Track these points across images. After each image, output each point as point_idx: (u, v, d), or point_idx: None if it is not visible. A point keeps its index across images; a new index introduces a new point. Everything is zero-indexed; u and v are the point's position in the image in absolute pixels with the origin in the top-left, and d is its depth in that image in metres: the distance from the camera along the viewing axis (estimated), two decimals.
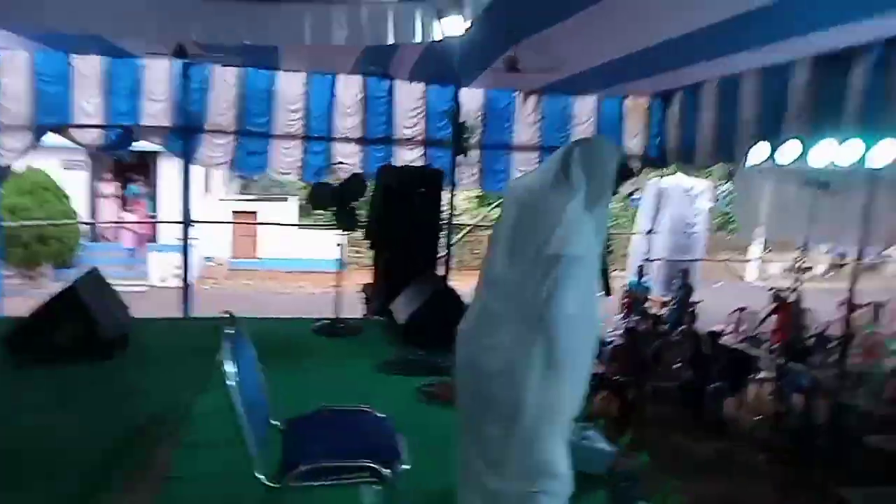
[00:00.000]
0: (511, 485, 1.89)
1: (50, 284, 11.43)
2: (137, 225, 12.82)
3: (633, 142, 8.80)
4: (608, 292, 1.90)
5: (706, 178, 15.27)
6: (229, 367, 1.88)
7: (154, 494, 2.56)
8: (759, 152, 5.40)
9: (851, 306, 5.69)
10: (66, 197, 12.43)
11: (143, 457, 2.87)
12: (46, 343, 4.17)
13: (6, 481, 2.65)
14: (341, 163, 7.34)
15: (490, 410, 1.90)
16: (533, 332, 1.80)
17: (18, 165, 11.16)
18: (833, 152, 4.78)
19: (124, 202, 13.98)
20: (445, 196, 6.61)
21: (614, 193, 1.96)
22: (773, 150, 5.26)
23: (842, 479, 4.61)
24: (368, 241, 6.81)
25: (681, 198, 12.05)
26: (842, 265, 15.60)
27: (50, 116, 6.54)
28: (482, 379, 1.90)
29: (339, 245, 5.73)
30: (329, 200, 5.70)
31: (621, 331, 7.23)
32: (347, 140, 7.62)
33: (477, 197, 18.33)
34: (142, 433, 3.10)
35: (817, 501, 4.26)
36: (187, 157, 7.12)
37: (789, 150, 5.11)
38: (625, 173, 2.02)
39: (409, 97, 7.69)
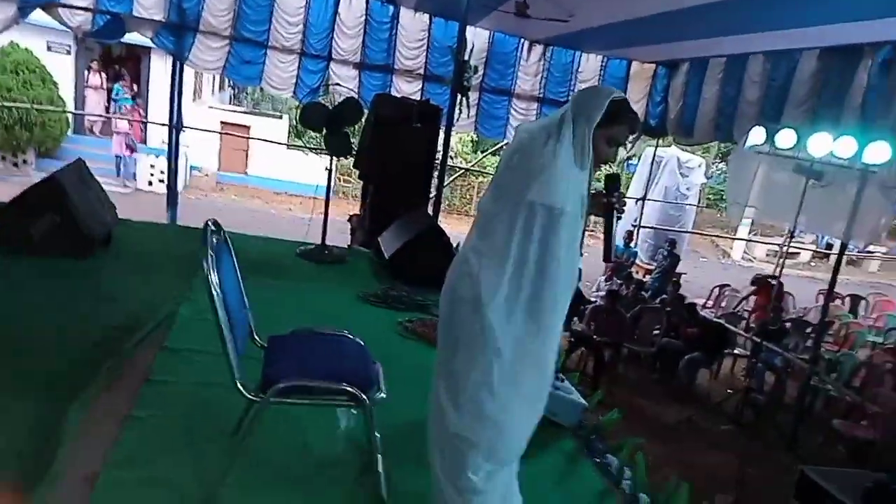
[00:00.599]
0: (461, 423, 1.91)
1: (32, 172, 11.14)
2: (125, 135, 12.46)
3: (635, 107, 8.73)
4: (607, 257, 1.90)
5: (701, 153, 15.33)
6: (212, 277, 1.87)
7: (133, 396, 2.58)
8: (757, 135, 5.43)
9: (831, 295, 5.87)
10: (54, 82, 11.85)
11: (122, 358, 2.87)
12: (24, 233, 4.02)
13: None
14: (338, 84, 7.18)
15: (459, 341, 1.92)
16: (502, 268, 1.86)
17: (0, 40, 10.68)
18: (831, 145, 4.84)
19: (109, 95, 13.51)
20: (441, 135, 6.54)
21: (619, 145, 1.92)
22: (772, 135, 5.30)
23: (803, 458, 4.87)
24: (358, 171, 6.75)
25: (675, 170, 12.12)
26: (826, 255, 16.04)
27: None
28: (454, 305, 1.95)
29: (327, 170, 5.68)
30: (321, 121, 5.58)
31: (604, 293, 7.39)
32: (345, 62, 7.44)
33: (472, 141, 18.14)
34: (121, 335, 3.08)
35: (776, 475, 4.43)
36: (179, 56, 6.88)
37: (787, 138, 5.15)
38: (630, 121, 1.90)
39: (412, 27, 7.47)
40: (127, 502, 2.03)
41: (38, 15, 6.49)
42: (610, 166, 2.00)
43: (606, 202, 1.97)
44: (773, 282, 6.87)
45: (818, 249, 16.10)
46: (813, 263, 16.29)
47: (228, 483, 2.06)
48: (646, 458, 3.05)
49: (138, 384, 2.67)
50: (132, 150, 12.74)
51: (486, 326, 1.85)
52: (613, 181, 2.02)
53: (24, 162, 11.79)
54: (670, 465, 4.50)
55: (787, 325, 7.02)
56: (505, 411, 1.92)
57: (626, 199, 1.96)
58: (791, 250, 6.81)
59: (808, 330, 6.86)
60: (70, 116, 12.75)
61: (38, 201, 4.09)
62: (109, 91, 13.29)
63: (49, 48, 12.42)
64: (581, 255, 1.97)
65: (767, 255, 15.99)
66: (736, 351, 7.06)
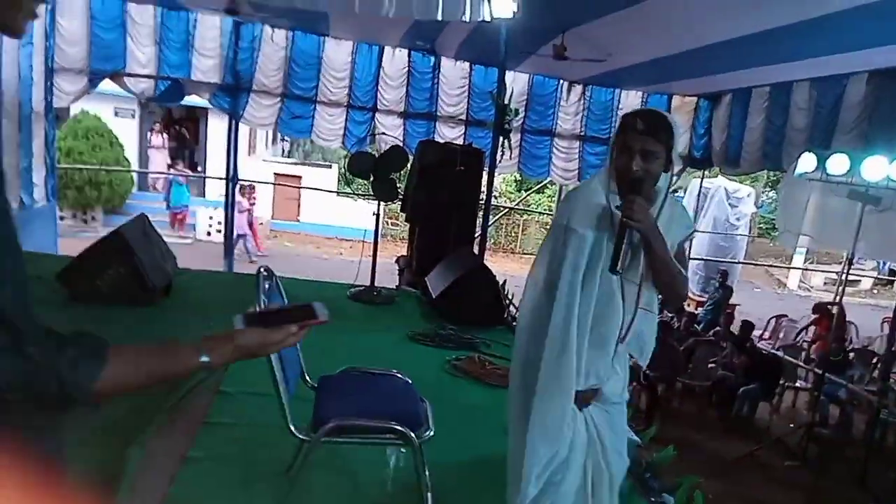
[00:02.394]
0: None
1: (100, 228, 11.84)
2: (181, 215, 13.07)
3: (680, 140, 8.71)
4: (611, 268, 1.73)
5: (749, 183, 15.01)
6: None
7: (191, 438, 2.68)
8: (807, 162, 5.33)
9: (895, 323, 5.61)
10: (120, 144, 12.73)
11: (179, 402, 2.98)
12: (92, 284, 4.25)
13: None
14: (383, 133, 7.45)
15: (518, 371, 1.96)
16: (532, 290, 1.94)
17: (72, 109, 11.53)
18: (887, 168, 4.71)
19: (171, 155, 14.32)
20: (484, 177, 6.67)
21: (632, 152, 1.74)
22: (822, 161, 5.20)
23: (876, 495, 4.61)
24: (405, 214, 6.92)
25: (724, 200, 11.91)
26: (889, 282, 15.31)
27: (105, 62, 6.71)
28: (518, 336, 1.99)
29: (374, 214, 5.86)
30: (368, 169, 5.80)
31: None
32: (390, 112, 7.72)
33: (516, 181, 18.28)
34: (180, 379, 3.21)
35: None
36: (234, 114, 7.29)
37: (839, 163, 5.05)
38: (625, 120, 1.79)
39: (453, 75, 7.73)
40: None
41: (105, 84, 7.02)
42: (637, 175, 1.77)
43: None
44: (834, 309, 6.60)
45: (880, 276, 15.37)
46: (875, 290, 15.54)
47: None
48: (704, 496, 2.96)
49: (196, 426, 2.78)
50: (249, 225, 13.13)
51: (533, 359, 1.89)
52: (630, 186, 1.76)
53: (93, 219, 12.56)
54: (732, 502, 4.34)
55: (851, 355, 6.71)
56: (514, 440, 1.94)
57: (639, 204, 1.70)
58: (851, 278, 6.55)
59: (874, 360, 6.53)
60: (135, 175, 13.56)
61: (105, 255, 4.34)
62: (171, 150, 14.10)
63: (116, 113, 13.33)
64: None
65: (825, 283, 15.36)
66: (797, 384, 6.77)
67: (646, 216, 1.73)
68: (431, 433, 2.22)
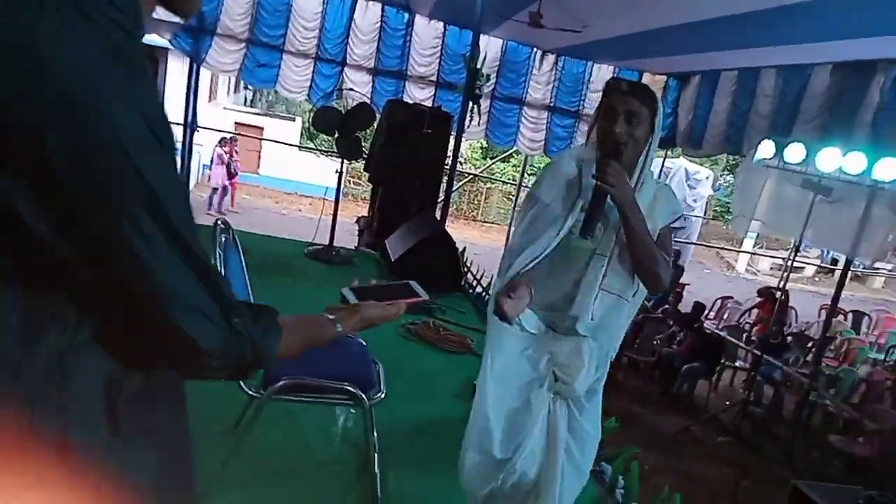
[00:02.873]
0: None
1: None
2: None
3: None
4: (584, 232, 1.66)
5: (709, 165, 15.33)
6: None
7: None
8: (766, 148, 5.45)
9: (834, 310, 5.87)
10: None
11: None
12: None
13: None
14: (351, 89, 7.28)
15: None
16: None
17: None
18: (840, 160, 4.86)
19: None
20: (451, 141, 6.62)
21: (615, 114, 1.68)
22: (781, 149, 5.32)
23: (800, 473, 4.88)
24: (368, 174, 6.83)
25: (683, 181, 12.15)
26: (831, 270, 15.98)
27: None
28: None
29: (337, 172, 5.77)
30: (334, 125, 5.68)
31: None
32: (359, 68, 7.53)
33: (482, 148, 18.21)
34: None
35: (771, 489, 4.45)
36: (196, 58, 7.00)
37: (796, 152, 5.17)
38: (608, 87, 1.73)
39: (426, 34, 7.56)
40: None
41: None
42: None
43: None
44: (778, 294, 6.87)
45: (823, 264, 16.04)
46: (817, 278, 16.23)
47: (226, 478, 2.10)
48: (641, 467, 3.09)
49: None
50: None
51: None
52: (607, 150, 1.69)
53: None
54: (667, 474, 4.54)
55: (789, 338, 7.02)
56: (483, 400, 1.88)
57: (614, 168, 1.62)
58: (795, 264, 6.82)
59: (810, 344, 6.86)
60: None
61: None
62: None
63: None
64: None
65: (772, 268, 15.95)
66: (737, 363, 7.06)
67: (622, 182, 1.64)
68: (382, 395, 2.24)
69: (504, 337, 1.87)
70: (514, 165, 16.86)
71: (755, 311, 8.04)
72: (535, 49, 7.99)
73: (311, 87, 7.42)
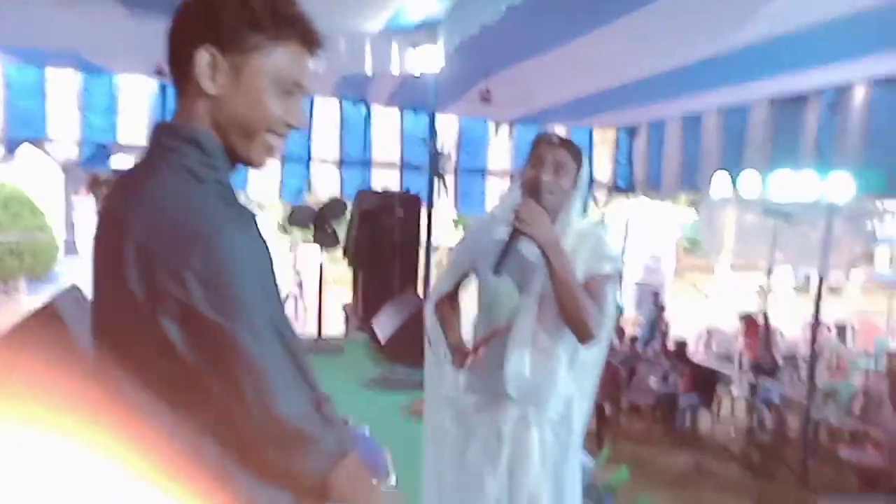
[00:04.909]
0: None
1: (24, 298, 11.27)
2: None
3: (603, 170, 9.16)
4: (494, 268, 1.68)
5: (672, 203, 15.83)
6: None
7: None
8: (721, 183, 5.71)
9: (817, 327, 6.02)
10: (42, 213, 12.30)
11: None
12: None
13: None
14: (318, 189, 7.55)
15: None
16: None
17: None
18: (791, 185, 5.10)
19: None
20: (423, 219, 6.82)
21: (538, 162, 1.79)
22: (735, 180, 5.58)
23: (817, 491, 4.88)
24: (347, 260, 6.97)
25: (648, 224, 12.53)
26: (805, 288, 16.24)
27: (23, 129, 6.53)
28: None
29: (319, 264, 5.91)
30: (309, 222, 5.88)
31: None
32: (324, 161, 7.80)
33: (454, 221, 18.56)
34: None
35: None
36: None
37: (749, 182, 5.42)
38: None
39: (385, 121, 7.91)
40: None
41: (24, 150, 6.81)
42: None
43: None
44: (759, 317, 7.00)
45: (797, 284, 16.32)
46: (792, 296, 16.45)
47: None
48: None
49: None
50: None
51: None
52: (528, 191, 1.73)
53: (16, 289, 11.94)
54: None
55: (780, 361, 7.11)
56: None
57: (531, 206, 1.64)
58: (769, 288, 7.13)
59: (799, 363, 6.95)
60: (60, 241, 13.04)
61: (34, 330, 4.16)
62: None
63: (36, 179, 12.84)
64: None
65: (748, 292, 16.16)
66: (734, 392, 7.12)
67: (540, 222, 1.63)
68: (392, 482, 2.26)
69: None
70: None
71: (740, 338, 8.14)
72: (488, 121, 8.38)
73: (280, 186, 7.64)
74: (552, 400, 1.74)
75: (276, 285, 0.93)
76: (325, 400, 0.96)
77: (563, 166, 1.77)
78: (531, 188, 1.74)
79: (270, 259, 0.93)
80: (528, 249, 1.69)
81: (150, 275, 0.84)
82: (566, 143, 1.84)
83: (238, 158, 1.04)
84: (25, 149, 6.86)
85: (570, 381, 1.78)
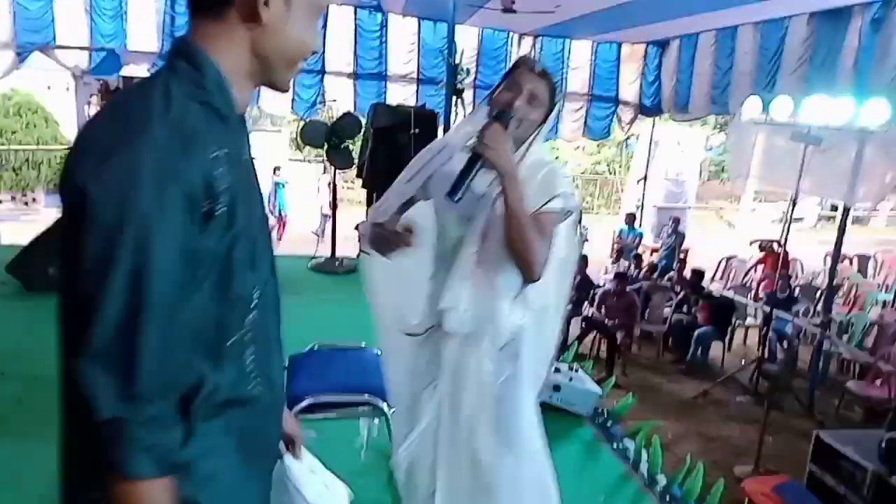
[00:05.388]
0: None
1: (42, 210, 11.40)
2: None
3: (630, 88, 8.79)
4: (449, 192, 1.53)
5: (701, 126, 15.31)
6: None
7: None
8: (753, 105, 5.45)
9: (837, 257, 5.90)
10: (55, 121, 12.17)
11: None
12: (44, 273, 4.16)
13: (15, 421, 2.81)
14: (334, 100, 7.32)
15: None
16: None
17: (2, 86, 10.92)
18: (825, 109, 4.84)
19: None
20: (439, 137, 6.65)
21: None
22: (767, 104, 5.32)
23: (822, 423, 4.93)
24: (361, 181, 6.87)
25: (673, 146, 12.14)
26: (831, 217, 15.94)
27: (32, 35, 6.38)
28: None
29: (331, 185, 5.83)
30: (321, 138, 5.73)
31: (611, 275, 7.44)
32: (339, 74, 7.55)
33: None
34: None
35: (794, 441, 4.51)
36: None
37: (783, 106, 5.17)
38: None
39: (401, 32, 7.58)
40: None
41: (35, 58, 6.64)
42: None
43: None
44: (779, 248, 6.88)
45: (822, 213, 16.00)
46: (818, 226, 16.19)
47: None
48: (662, 439, 3.15)
49: None
50: None
51: None
52: (494, 116, 1.59)
53: (34, 200, 12.06)
54: (690, 440, 4.60)
55: (797, 291, 7.05)
56: None
57: (495, 130, 1.51)
58: (796, 215, 6.87)
59: (818, 294, 6.89)
60: None
61: (53, 242, 4.23)
62: None
63: (49, 88, 12.67)
64: (585, 240, 1.85)
65: (773, 221, 15.93)
66: (748, 321, 7.10)
67: (502, 147, 1.52)
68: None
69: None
70: None
71: (759, 267, 8.06)
72: (511, 33, 7.99)
73: (293, 99, 7.45)
74: (492, 332, 1.69)
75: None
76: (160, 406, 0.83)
77: (537, 98, 1.65)
78: (498, 113, 1.59)
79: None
80: (479, 178, 1.56)
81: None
82: (546, 75, 1.70)
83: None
84: (37, 59, 6.71)
85: (518, 315, 1.71)
